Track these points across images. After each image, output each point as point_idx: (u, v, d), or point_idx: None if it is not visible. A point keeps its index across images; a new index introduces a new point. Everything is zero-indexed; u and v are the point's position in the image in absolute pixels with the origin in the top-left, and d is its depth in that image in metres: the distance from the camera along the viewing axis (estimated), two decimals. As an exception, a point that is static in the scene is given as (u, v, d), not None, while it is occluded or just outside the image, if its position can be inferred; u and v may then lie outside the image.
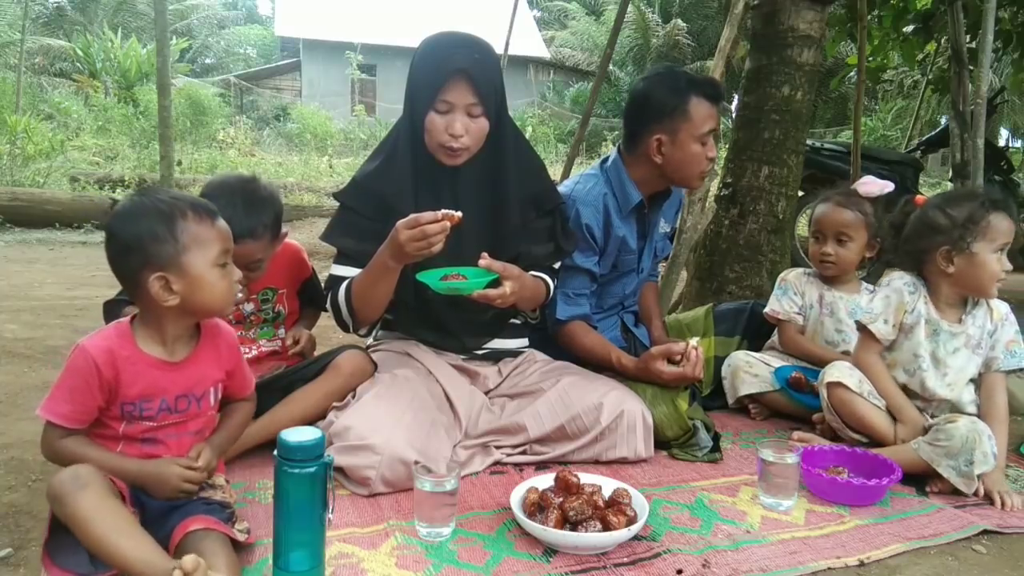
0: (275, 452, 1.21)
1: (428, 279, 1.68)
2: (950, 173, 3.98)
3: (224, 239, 1.32)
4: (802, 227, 4.90)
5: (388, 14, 19.72)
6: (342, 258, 1.87)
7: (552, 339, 2.12)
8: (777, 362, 2.28)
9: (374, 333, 2.09)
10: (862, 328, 1.94)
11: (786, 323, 2.34)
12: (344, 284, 1.82)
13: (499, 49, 2.10)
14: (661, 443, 1.90)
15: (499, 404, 1.91)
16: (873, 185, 2.29)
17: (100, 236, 1.33)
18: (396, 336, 2.03)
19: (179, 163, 9.98)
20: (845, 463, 1.77)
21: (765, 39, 3.15)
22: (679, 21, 18.19)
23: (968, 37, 3.60)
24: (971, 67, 3.14)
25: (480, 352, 2.00)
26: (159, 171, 4.39)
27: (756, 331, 2.46)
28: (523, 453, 1.83)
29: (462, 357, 1.98)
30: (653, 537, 1.46)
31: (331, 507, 1.25)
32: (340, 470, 1.58)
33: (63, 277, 4.61)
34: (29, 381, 2.39)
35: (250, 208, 1.75)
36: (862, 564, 1.40)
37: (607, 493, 1.48)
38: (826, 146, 5.10)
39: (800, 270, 2.40)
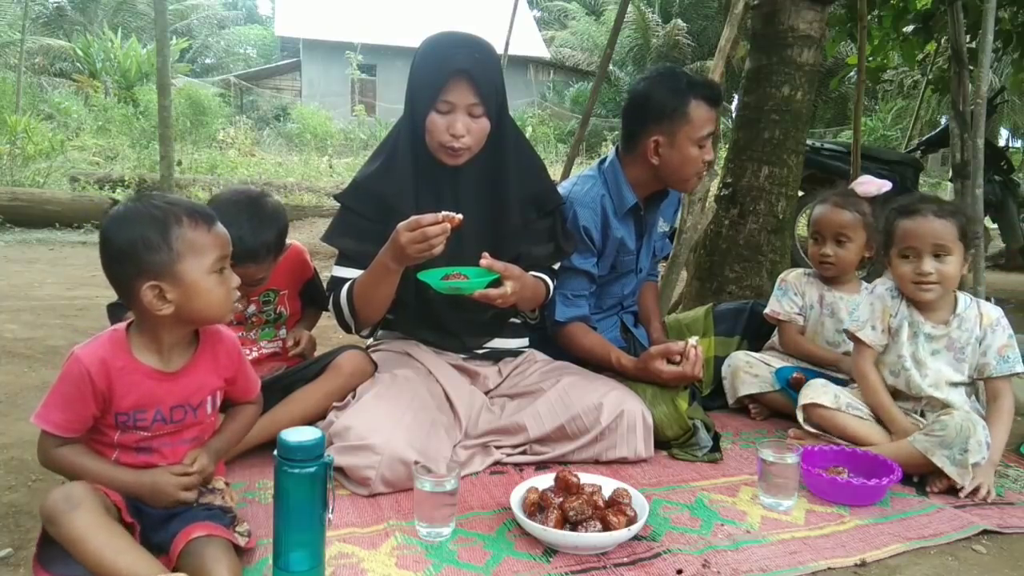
0: (275, 452, 1.21)
1: (429, 279, 1.68)
2: (950, 173, 3.98)
3: (221, 245, 1.28)
4: (802, 227, 4.90)
5: (388, 14, 19.73)
6: (343, 259, 1.87)
7: (551, 340, 2.12)
8: (777, 362, 2.28)
9: (374, 333, 2.10)
10: (853, 337, 1.97)
11: (786, 324, 2.34)
12: (346, 286, 1.82)
13: (499, 49, 2.09)
14: (661, 443, 1.90)
15: (499, 404, 1.91)
16: (871, 185, 2.29)
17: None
18: (396, 336, 2.03)
19: (179, 163, 9.99)
20: (845, 463, 1.77)
21: (765, 39, 3.15)
22: (679, 21, 18.19)
23: (968, 37, 3.59)
24: (971, 67, 3.14)
25: (480, 352, 2.00)
26: (159, 171, 4.39)
27: (756, 331, 2.46)
28: (523, 453, 1.83)
29: (462, 357, 1.98)
30: (653, 537, 1.46)
31: (331, 507, 1.24)
32: (340, 470, 1.58)
33: (63, 277, 4.61)
34: (29, 381, 2.39)
35: (255, 229, 1.73)
36: (862, 564, 1.40)
37: (607, 493, 1.48)
38: (826, 146, 5.10)
39: (800, 271, 2.40)
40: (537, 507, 1.44)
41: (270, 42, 25.57)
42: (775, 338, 2.41)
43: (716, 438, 1.92)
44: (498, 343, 2.02)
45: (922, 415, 1.89)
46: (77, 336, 2.92)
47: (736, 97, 3.53)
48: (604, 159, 2.22)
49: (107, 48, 17.06)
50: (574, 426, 1.79)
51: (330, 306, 1.87)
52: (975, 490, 1.70)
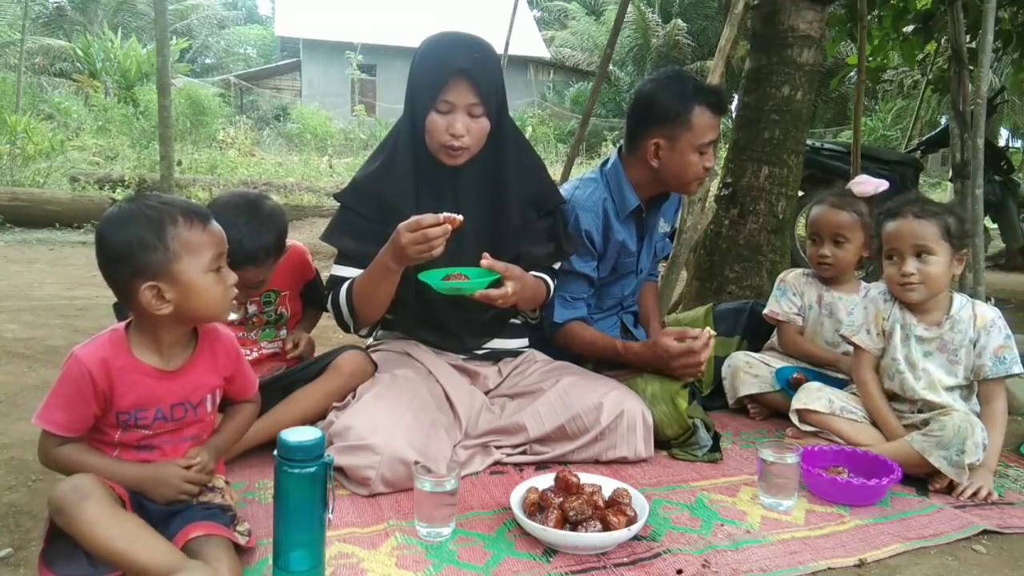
0: (275, 452, 1.21)
1: (430, 279, 1.68)
2: (950, 173, 3.98)
3: (217, 243, 1.29)
4: (802, 227, 4.89)
5: (388, 14, 19.72)
6: (343, 259, 1.87)
7: (550, 341, 2.11)
8: (777, 362, 2.28)
9: (374, 333, 2.10)
10: (849, 342, 1.99)
11: (785, 324, 2.34)
12: (345, 285, 1.82)
13: (499, 49, 2.10)
14: (661, 442, 1.90)
15: (499, 404, 1.91)
16: (867, 184, 2.29)
17: (98, 237, 1.32)
18: (396, 336, 2.03)
19: (179, 163, 9.99)
20: (845, 463, 1.77)
21: (765, 39, 3.15)
22: (679, 21, 18.18)
23: (968, 37, 3.59)
24: (971, 67, 3.14)
25: (480, 352, 2.00)
26: (159, 171, 4.39)
27: (756, 331, 2.46)
28: (523, 453, 1.83)
29: (462, 357, 1.98)
30: (653, 537, 1.46)
31: (331, 507, 1.24)
32: (340, 470, 1.58)
33: (63, 277, 4.61)
34: (29, 381, 2.39)
35: (254, 232, 1.73)
36: (862, 564, 1.40)
37: (607, 493, 1.48)
38: (826, 146, 5.10)
39: (799, 271, 2.40)
40: (537, 507, 1.44)
41: (270, 42, 25.57)
42: (775, 338, 2.41)
43: (716, 438, 1.92)
44: (498, 343, 2.02)
45: (920, 414, 1.88)
46: (77, 336, 2.92)
47: (736, 97, 3.53)
48: (606, 161, 2.22)
49: (107, 48, 17.06)
50: (574, 426, 1.79)
51: (329, 305, 1.87)
52: (975, 492, 1.71)
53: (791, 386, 2.17)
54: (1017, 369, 1.82)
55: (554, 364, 2.01)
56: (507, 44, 4.98)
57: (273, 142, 15.65)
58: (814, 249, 2.29)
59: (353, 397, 1.76)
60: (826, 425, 1.92)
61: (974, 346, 1.84)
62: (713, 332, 1.90)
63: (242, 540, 1.26)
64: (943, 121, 6.20)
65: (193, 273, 1.24)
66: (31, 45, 15.99)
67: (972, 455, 1.68)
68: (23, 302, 3.73)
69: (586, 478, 1.52)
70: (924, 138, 5.94)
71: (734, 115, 3.64)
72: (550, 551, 1.38)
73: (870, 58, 5.18)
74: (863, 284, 2.34)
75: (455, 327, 1.94)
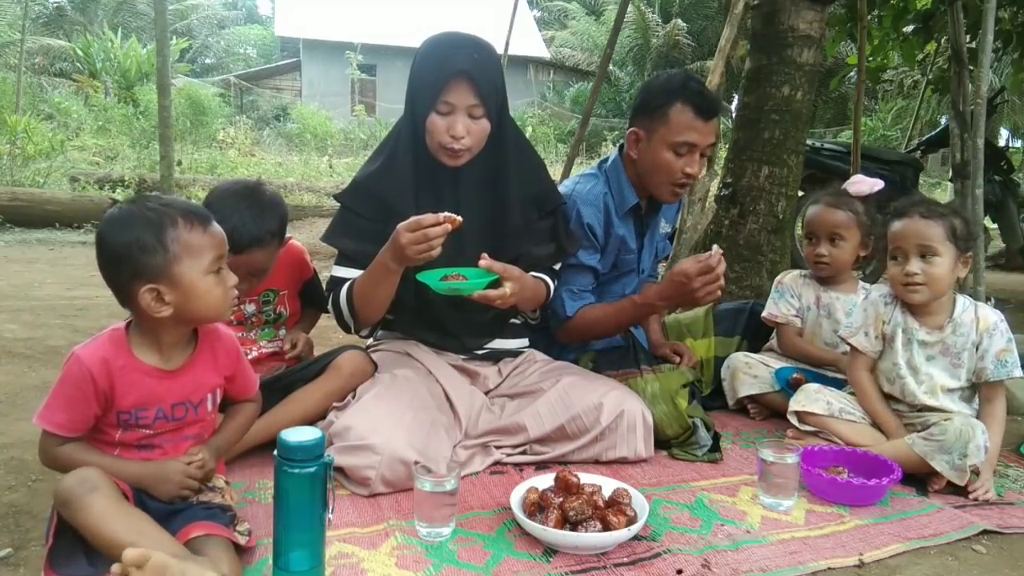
0: (275, 452, 1.21)
1: (428, 279, 1.68)
2: (950, 173, 3.98)
3: (217, 245, 1.29)
4: (801, 227, 4.90)
5: (388, 14, 19.72)
6: (343, 259, 1.87)
7: (558, 338, 2.11)
8: (776, 363, 2.28)
9: (374, 333, 2.10)
10: (846, 343, 1.99)
11: (784, 326, 2.34)
12: (345, 286, 1.82)
13: (499, 49, 2.09)
14: (661, 442, 1.90)
15: (499, 404, 1.91)
16: (863, 184, 2.29)
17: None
18: (396, 336, 2.03)
19: (179, 163, 9.99)
20: (845, 463, 1.77)
21: (765, 39, 3.15)
22: (679, 21, 18.19)
23: (968, 37, 3.59)
24: (971, 67, 3.14)
25: (480, 352, 2.00)
26: (159, 171, 4.39)
27: (756, 331, 2.46)
28: (523, 453, 1.83)
29: (462, 357, 1.98)
30: (653, 537, 1.46)
31: (331, 507, 1.24)
32: (340, 470, 1.58)
33: (63, 277, 4.61)
34: (29, 381, 2.39)
35: (257, 216, 1.75)
36: (862, 564, 1.40)
37: (607, 493, 1.48)
38: (826, 146, 5.10)
39: (796, 272, 2.40)
40: (537, 507, 1.44)
41: (270, 42, 25.57)
42: (774, 339, 2.41)
43: (716, 438, 1.93)
44: (498, 343, 2.02)
45: (920, 413, 1.88)
46: (77, 336, 2.92)
47: (736, 97, 3.53)
48: (606, 159, 2.22)
49: (107, 48, 17.06)
50: (574, 426, 1.79)
51: (329, 306, 1.87)
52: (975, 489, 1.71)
53: (791, 386, 2.17)
54: (1018, 373, 1.82)
55: (554, 364, 2.01)
56: (507, 44, 4.99)
57: (273, 142, 15.65)
58: (810, 248, 2.29)
59: (353, 397, 1.76)
60: (825, 427, 1.92)
61: (976, 349, 1.84)
62: (720, 250, 1.84)
63: (242, 540, 1.26)
64: (943, 121, 6.20)
65: (193, 275, 1.24)
66: (31, 45, 16.00)
67: (974, 457, 1.68)
68: (23, 302, 3.72)
69: (586, 478, 1.52)
70: (924, 138, 5.94)
71: (734, 115, 3.64)
72: (550, 551, 1.38)
73: (870, 58, 5.18)
74: (862, 284, 2.35)
75: (455, 327, 1.94)
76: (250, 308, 1.91)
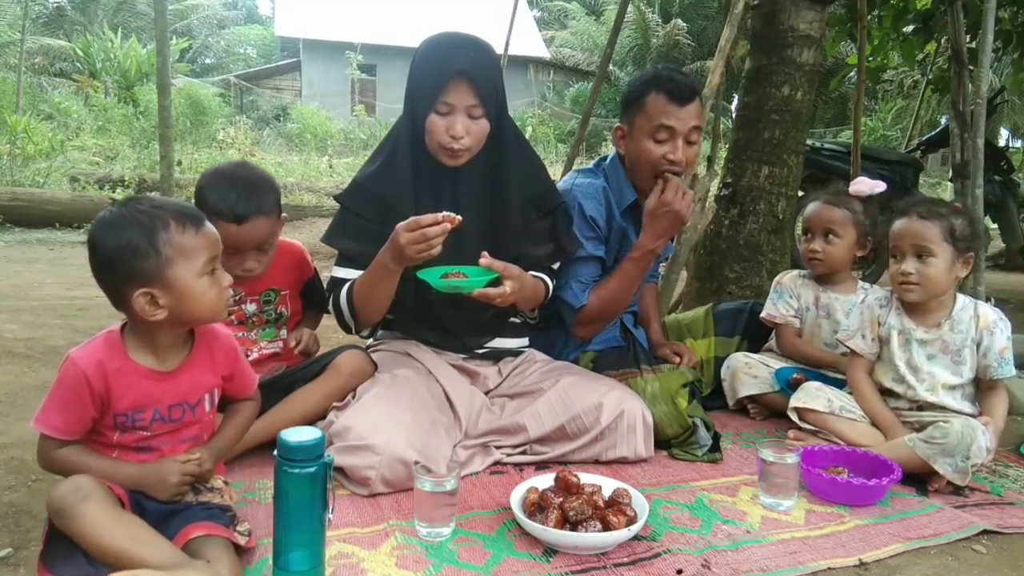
0: (275, 452, 1.21)
1: (428, 277, 1.68)
2: (950, 173, 3.98)
3: (211, 246, 1.27)
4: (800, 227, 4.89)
5: (388, 14, 19.72)
6: (343, 260, 1.87)
7: (577, 334, 2.11)
8: (776, 363, 2.28)
9: (374, 333, 2.09)
10: (844, 345, 2.00)
11: (784, 327, 2.34)
12: (346, 286, 1.82)
13: (499, 49, 2.10)
14: (661, 442, 1.90)
15: (499, 404, 1.91)
16: (863, 184, 2.29)
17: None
18: (396, 336, 2.03)
19: (179, 163, 9.98)
20: (845, 463, 1.77)
21: (765, 39, 3.15)
22: (679, 21, 18.19)
23: (968, 37, 3.59)
24: (971, 67, 3.14)
25: (480, 352, 2.00)
26: (159, 171, 4.38)
27: (756, 331, 2.46)
28: (523, 453, 1.83)
29: (462, 357, 1.98)
30: (653, 537, 1.46)
31: (331, 507, 1.24)
32: (340, 470, 1.58)
33: (63, 277, 4.61)
34: (29, 381, 2.39)
35: (252, 188, 1.77)
36: (862, 564, 1.40)
37: (607, 493, 1.48)
38: (826, 146, 5.10)
39: (795, 272, 2.40)
40: (537, 507, 1.44)
41: (270, 42, 25.56)
42: (773, 339, 2.41)
43: (716, 438, 1.93)
44: (498, 343, 2.02)
45: (920, 412, 1.89)
46: (77, 336, 2.92)
47: (736, 97, 3.53)
48: (604, 158, 2.23)
49: (107, 48, 17.06)
50: (574, 426, 1.79)
51: (330, 306, 1.87)
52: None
53: (791, 386, 2.17)
54: (1012, 372, 1.84)
55: (554, 364, 2.01)
56: (507, 44, 4.98)
57: (273, 142, 15.64)
58: (806, 245, 2.30)
59: (353, 397, 1.76)
60: (824, 424, 1.92)
61: (978, 347, 1.85)
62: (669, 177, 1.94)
63: (242, 540, 1.26)
64: (943, 121, 6.20)
65: (187, 278, 1.23)
66: (31, 45, 16.00)
67: (976, 458, 1.69)
68: (23, 302, 3.72)
69: (586, 478, 1.52)
70: (924, 138, 5.93)
71: (734, 115, 3.64)
72: (550, 551, 1.38)
73: (870, 58, 5.18)
74: (862, 285, 2.35)
75: (455, 327, 1.94)
76: (251, 308, 1.91)
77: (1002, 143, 13.53)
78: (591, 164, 2.26)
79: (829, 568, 1.38)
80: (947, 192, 7.72)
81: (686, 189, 1.93)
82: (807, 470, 1.68)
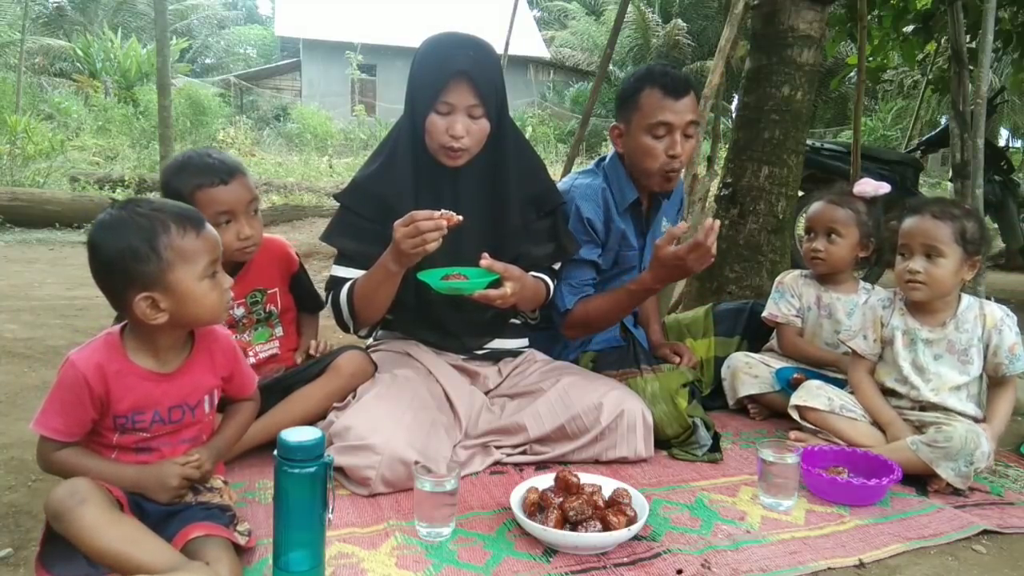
0: (275, 452, 1.21)
1: (429, 278, 1.68)
2: (950, 173, 3.98)
3: (211, 249, 1.27)
4: (802, 227, 4.89)
5: (388, 14, 19.72)
6: (342, 259, 1.87)
7: (562, 333, 2.10)
8: (777, 363, 2.28)
9: (374, 333, 2.10)
10: (846, 346, 2.00)
11: (785, 326, 2.34)
12: (346, 286, 1.82)
13: (499, 49, 2.10)
14: (661, 442, 1.90)
15: (499, 404, 1.91)
16: (868, 185, 2.29)
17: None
18: (396, 336, 2.03)
19: (179, 163, 9.96)
20: (845, 463, 1.77)
21: (765, 39, 3.15)
22: (679, 21, 18.18)
23: (968, 37, 3.59)
24: (971, 67, 3.14)
25: (480, 352, 2.00)
26: (159, 171, 4.39)
27: (756, 331, 2.46)
28: (523, 453, 1.83)
29: (462, 357, 1.98)
30: (653, 537, 1.46)
31: (331, 507, 1.24)
32: (340, 470, 1.58)
33: (63, 277, 4.61)
34: (29, 381, 2.39)
35: (220, 153, 1.78)
36: (862, 564, 1.40)
37: (607, 493, 1.48)
38: (826, 146, 5.09)
39: (797, 272, 2.40)
40: (537, 507, 1.44)
41: (270, 42, 25.56)
42: (774, 339, 2.41)
43: (716, 438, 1.93)
44: (498, 343, 2.02)
45: (922, 412, 1.89)
46: (77, 336, 2.92)
47: (736, 97, 3.53)
48: (604, 157, 2.22)
49: (107, 48, 17.07)
50: (574, 426, 1.79)
51: (329, 306, 1.87)
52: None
53: (791, 386, 2.17)
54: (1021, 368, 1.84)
55: (554, 364, 2.01)
56: (507, 44, 4.97)
57: (273, 142, 15.65)
58: (808, 244, 2.30)
59: (353, 397, 1.76)
60: (824, 423, 1.92)
61: (986, 347, 1.85)
62: (714, 221, 1.82)
63: (242, 540, 1.26)
64: (943, 121, 6.20)
65: (188, 282, 1.23)
66: (31, 45, 15.99)
67: (980, 463, 1.69)
68: (23, 302, 3.72)
69: (586, 478, 1.52)
70: (924, 138, 5.93)
71: (734, 115, 3.64)
72: (550, 551, 1.38)
73: (870, 58, 5.18)
74: (863, 285, 2.35)
75: (455, 327, 1.94)
76: (239, 311, 1.89)
77: (1002, 143, 13.53)
78: (591, 164, 2.26)
79: (829, 568, 1.38)
80: (947, 192, 7.72)
81: (711, 250, 1.78)
82: (807, 470, 1.68)
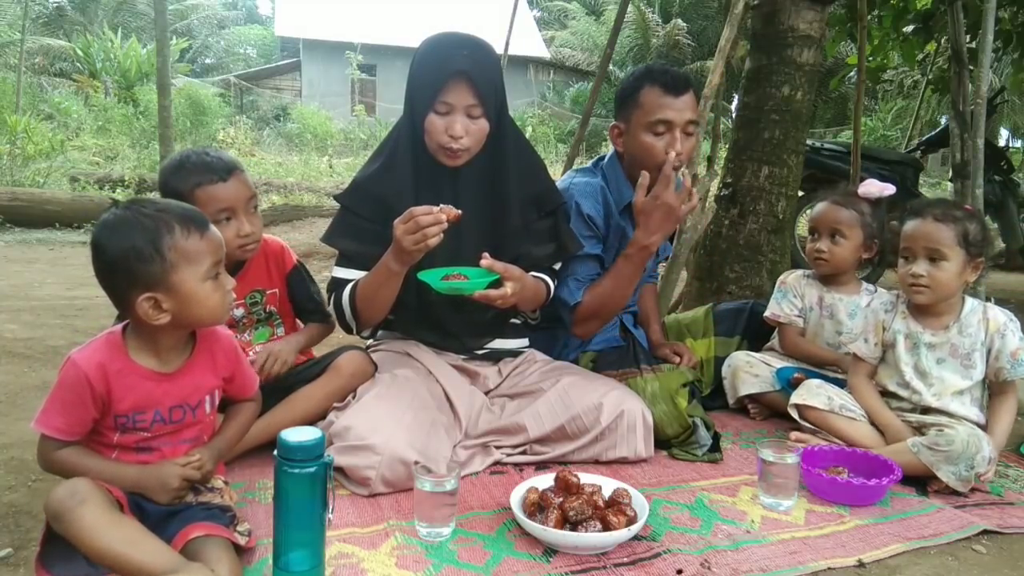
0: (275, 452, 1.21)
1: (429, 278, 1.68)
2: (950, 173, 3.98)
3: (215, 250, 1.27)
4: (802, 227, 4.89)
5: (388, 14, 19.72)
6: (343, 260, 1.87)
7: (575, 332, 2.09)
8: (777, 362, 2.28)
9: (375, 333, 2.09)
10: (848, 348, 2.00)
11: (787, 326, 2.34)
12: (348, 287, 1.82)
13: (499, 49, 2.10)
14: (661, 442, 1.90)
15: (499, 404, 1.91)
16: (873, 186, 2.29)
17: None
18: (396, 336, 2.03)
19: (179, 163, 9.96)
20: (845, 463, 1.77)
21: (765, 39, 3.15)
22: (679, 21, 18.18)
23: (968, 37, 3.59)
24: (971, 67, 3.14)
25: (480, 352, 2.00)
26: (159, 171, 4.40)
27: (756, 331, 2.46)
28: (523, 453, 1.83)
29: (462, 357, 1.98)
30: (653, 537, 1.46)
31: (331, 507, 1.24)
32: (340, 470, 1.58)
33: (63, 277, 4.61)
34: (29, 381, 2.39)
35: (216, 151, 1.78)
36: (862, 564, 1.40)
37: (607, 493, 1.48)
38: (826, 146, 5.10)
39: (799, 272, 2.40)
40: (537, 507, 1.44)
41: (270, 42, 25.56)
42: (775, 339, 2.41)
43: (716, 438, 1.93)
44: (498, 343, 2.02)
45: (923, 415, 1.89)
46: (77, 336, 2.92)
47: (736, 97, 3.53)
48: (602, 157, 2.23)
49: (107, 48, 17.07)
50: (574, 426, 1.79)
51: (330, 307, 1.87)
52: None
53: (792, 386, 2.17)
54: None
55: (554, 364, 2.01)
56: (507, 44, 4.97)
57: (273, 142, 15.65)
58: (812, 244, 2.30)
59: (353, 397, 1.76)
60: (824, 422, 1.92)
61: (989, 351, 1.85)
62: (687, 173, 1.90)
63: (242, 540, 1.26)
64: (943, 121, 6.20)
65: (191, 283, 1.23)
66: (31, 45, 15.99)
67: (981, 467, 1.69)
68: (23, 302, 3.72)
69: (586, 478, 1.52)
70: (924, 138, 5.94)
71: (734, 115, 3.64)
72: (550, 551, 1.38)
73: (870, 58, 5.17)
74: (865, 286, 2.35)
75: (455, 328, 1.94)
76: (239, 312, 1.88)
77: (1002, 143, 13.53)
78: (589, 164, 2.26)
79: (829, 568, 1.38)
80: (947, 192, 7.72)
81: (683, 181, 1.87)
82: (807, 470, 1.68)
